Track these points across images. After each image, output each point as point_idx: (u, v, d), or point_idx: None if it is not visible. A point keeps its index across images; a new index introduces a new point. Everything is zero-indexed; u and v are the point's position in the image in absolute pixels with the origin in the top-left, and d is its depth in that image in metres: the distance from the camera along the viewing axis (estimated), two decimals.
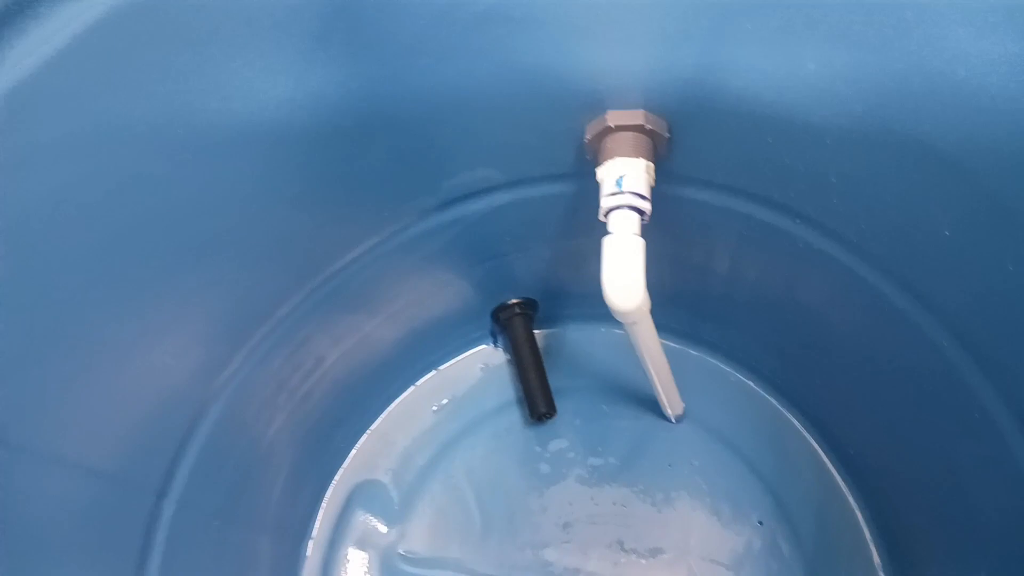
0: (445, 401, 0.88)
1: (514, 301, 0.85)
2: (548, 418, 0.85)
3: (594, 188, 0.57)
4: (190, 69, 0.39)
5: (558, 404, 0.85)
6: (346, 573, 0.79)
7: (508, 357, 0.89)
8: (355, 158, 0.53)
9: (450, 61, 0.49)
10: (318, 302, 0.64)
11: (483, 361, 0.90)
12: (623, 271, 0.54)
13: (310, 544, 0.80)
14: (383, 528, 0.81)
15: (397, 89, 0.50)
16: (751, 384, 0.86)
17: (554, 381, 0.86)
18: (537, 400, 0.84)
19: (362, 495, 0.83)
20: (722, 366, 0.87)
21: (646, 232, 0.56)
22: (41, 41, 0.34)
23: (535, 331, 0.88)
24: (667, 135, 0.56)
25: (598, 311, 0.58)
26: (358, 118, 0.50)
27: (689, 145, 0.58)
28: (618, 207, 0.56)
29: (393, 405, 0.88)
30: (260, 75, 0.43)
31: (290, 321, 0.62)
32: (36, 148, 0.35)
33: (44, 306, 0.41)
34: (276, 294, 0.60)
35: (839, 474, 0.80)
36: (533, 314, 0.87)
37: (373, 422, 0.87)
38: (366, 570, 0.80)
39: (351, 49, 0.46)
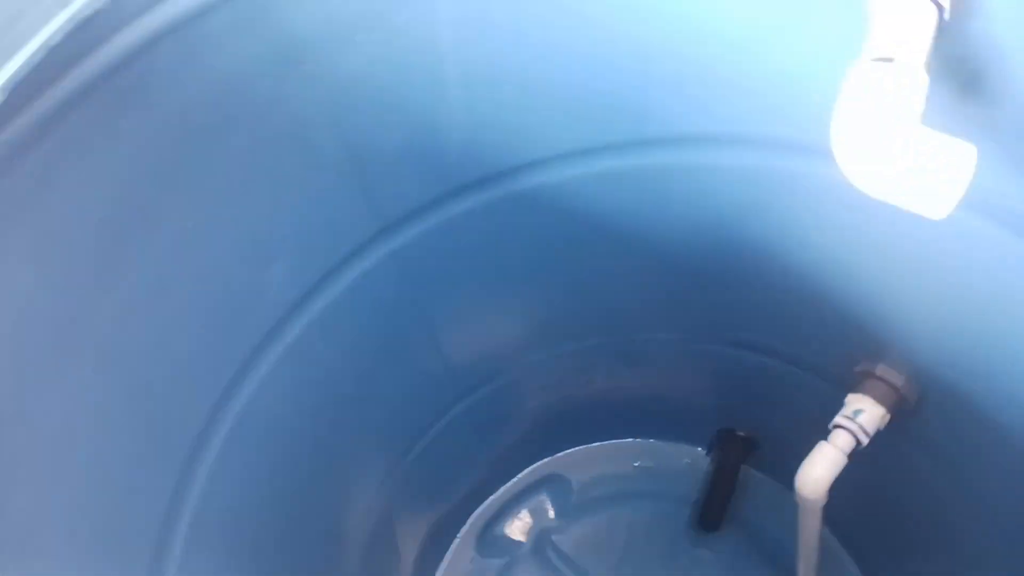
0: (647, 465, 1.08)
1: (740, 433, 1.02)
2: (709, 533, 1.01)
3: (842, 399, 0.74)
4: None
5: (725, 528, 1.01)
6: (510, 525, 1.05)
7: (710, 468, 1.06)
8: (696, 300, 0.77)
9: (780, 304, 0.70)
10: (611, 355, 0.89)
11: (690, 458, 1.08)
12: (815, 472, 0.70)
13: (502, 489, 1.07)
14: (552, 513, 1.05)
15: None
16: None
17: (733, 509, 1.02)
18: (709, 515, 1.01)
19: (553, 483, 1.07)
20: None
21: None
22: None
23: (743, 464, 1.04)
24: (914, 403, 0.71)
25: None
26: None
27: (928, 413, 0.71)
28: (843, 428, 0.71)
29: (613, 441, 1.10)
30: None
31: (588, 354, 0.89)
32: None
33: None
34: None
35: None
36: (749, 449, 1.03)
37: (592, 443, 1.10)
38: (524, 532, 1.05)
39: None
